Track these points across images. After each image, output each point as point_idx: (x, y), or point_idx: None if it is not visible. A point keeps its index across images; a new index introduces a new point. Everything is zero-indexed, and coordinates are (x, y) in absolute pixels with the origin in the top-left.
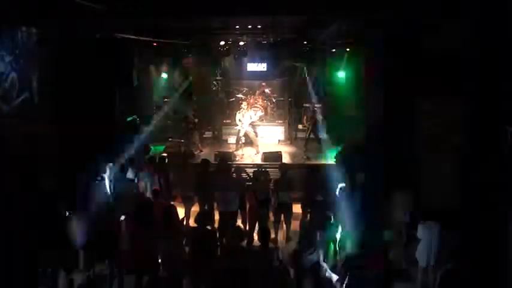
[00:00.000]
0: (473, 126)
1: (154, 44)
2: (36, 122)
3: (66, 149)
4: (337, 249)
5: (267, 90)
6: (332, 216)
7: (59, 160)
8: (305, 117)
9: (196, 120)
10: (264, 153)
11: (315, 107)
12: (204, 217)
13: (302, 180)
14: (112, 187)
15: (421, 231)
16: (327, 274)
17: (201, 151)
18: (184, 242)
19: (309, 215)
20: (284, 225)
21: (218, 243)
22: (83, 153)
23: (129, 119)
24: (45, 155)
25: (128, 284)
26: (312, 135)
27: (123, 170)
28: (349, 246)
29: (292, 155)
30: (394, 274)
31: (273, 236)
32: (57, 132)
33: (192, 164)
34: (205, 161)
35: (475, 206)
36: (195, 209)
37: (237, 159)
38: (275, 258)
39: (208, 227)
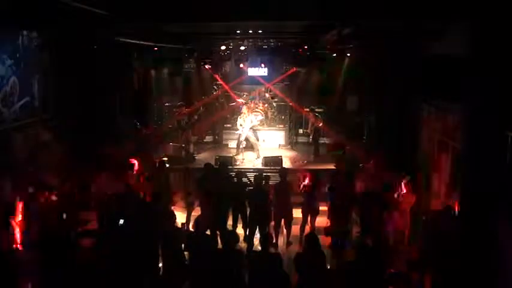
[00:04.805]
0: (474, 131)
1: (155, 48)
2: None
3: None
4: None
5: (267, 95)
6: None
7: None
8: (310, 123)
9: (184, 121)
10: (264, 157)
11: (316, 112)
12: (201, 222)
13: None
14: None
15: None
16: None
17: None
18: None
19: None
20: (284, 230)
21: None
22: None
23: None
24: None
25: None
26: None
27: None
28: None
29: (293, 160)
30: None
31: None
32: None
33: (193, 168)
34: (208, 165)
35: (475, 211)
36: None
37: (237, 163)
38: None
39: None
